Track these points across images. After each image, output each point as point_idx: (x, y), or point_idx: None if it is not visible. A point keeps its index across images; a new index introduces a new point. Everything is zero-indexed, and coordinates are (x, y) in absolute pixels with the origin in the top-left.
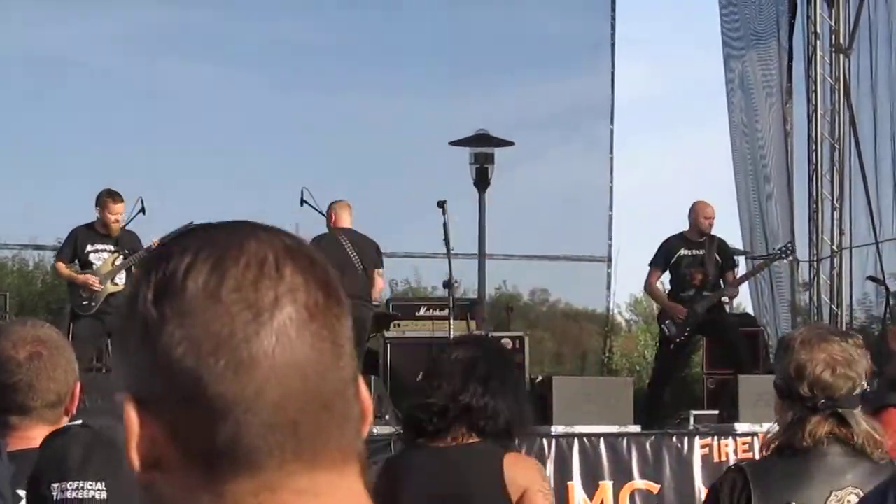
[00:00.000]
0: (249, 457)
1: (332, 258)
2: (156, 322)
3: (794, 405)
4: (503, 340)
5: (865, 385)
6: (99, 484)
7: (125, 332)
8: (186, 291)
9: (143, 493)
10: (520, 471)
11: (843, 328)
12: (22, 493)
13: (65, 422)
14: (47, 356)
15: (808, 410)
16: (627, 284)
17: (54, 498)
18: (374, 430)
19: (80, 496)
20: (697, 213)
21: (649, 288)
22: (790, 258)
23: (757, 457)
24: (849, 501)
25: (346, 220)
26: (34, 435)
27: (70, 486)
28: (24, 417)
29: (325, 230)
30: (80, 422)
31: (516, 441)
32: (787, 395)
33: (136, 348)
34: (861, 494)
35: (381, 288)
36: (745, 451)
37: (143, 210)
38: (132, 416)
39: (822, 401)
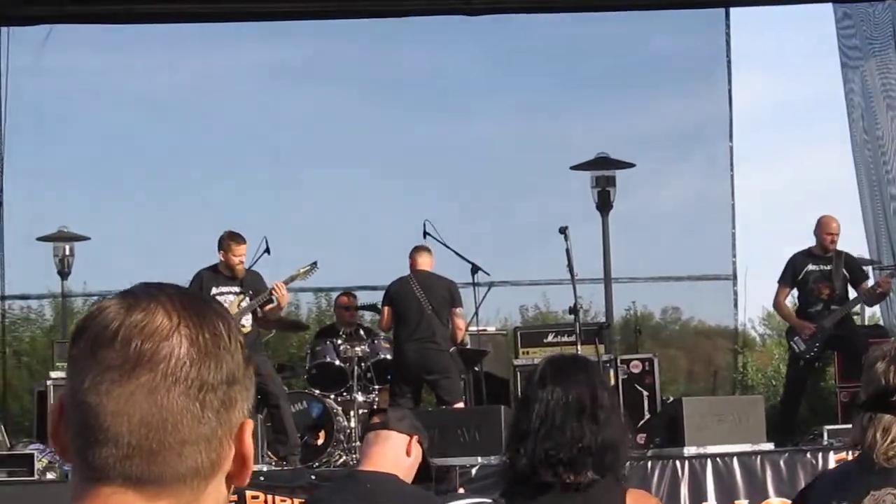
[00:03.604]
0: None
1: (402, 301)
2: None
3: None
4: (633, 363)
5: None
6: None
7: None
8: None
9: None
10: None
11: None
12: None
13: None
14: None
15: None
16: (760, 298)
17: None
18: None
19: None
20: (822, 228)
21: (777, 305)
22: None
23: None
24: (884, 501)
25: (422, 264)
26: None
27: None
28: None
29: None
30: None
31: (626, 470)
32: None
33: None
34: None
35: (461, 327)
36: None
37: (267, 250)
38: None
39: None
